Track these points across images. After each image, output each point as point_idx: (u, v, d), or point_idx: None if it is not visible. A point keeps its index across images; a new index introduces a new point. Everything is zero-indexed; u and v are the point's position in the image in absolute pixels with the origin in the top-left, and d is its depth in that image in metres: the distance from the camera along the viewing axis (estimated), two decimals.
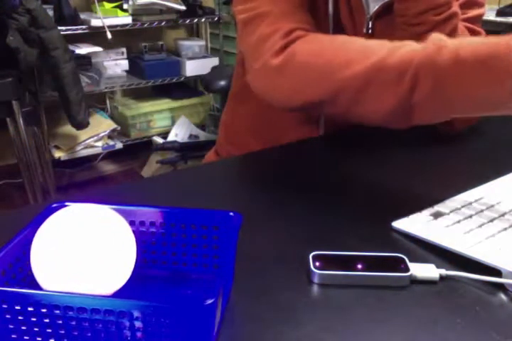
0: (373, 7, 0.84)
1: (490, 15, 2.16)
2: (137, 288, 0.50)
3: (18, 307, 0.39)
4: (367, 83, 0.62)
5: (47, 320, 0.39)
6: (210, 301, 0.37)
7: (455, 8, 0.77)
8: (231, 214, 0.50)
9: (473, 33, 0.85)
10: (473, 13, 0.86)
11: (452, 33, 0.78)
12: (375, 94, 0.62)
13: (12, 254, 0.45)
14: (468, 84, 0.57)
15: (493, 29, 2.12)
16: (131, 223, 0.51)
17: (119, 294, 0.46)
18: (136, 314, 0.38)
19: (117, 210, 0.51)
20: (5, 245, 0.44)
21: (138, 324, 0.39)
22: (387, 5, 0.82)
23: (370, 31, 0.85)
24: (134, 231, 0.51)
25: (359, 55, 0.64)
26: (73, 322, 0.39)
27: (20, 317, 0.40)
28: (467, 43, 0.58)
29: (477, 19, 0.87)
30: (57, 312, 0.39)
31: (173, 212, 0.51)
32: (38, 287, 0.47)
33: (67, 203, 0.51)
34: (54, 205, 0.51)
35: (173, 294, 0.50)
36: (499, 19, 2.21)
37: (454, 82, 0.57)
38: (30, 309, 0.39)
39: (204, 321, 0.39)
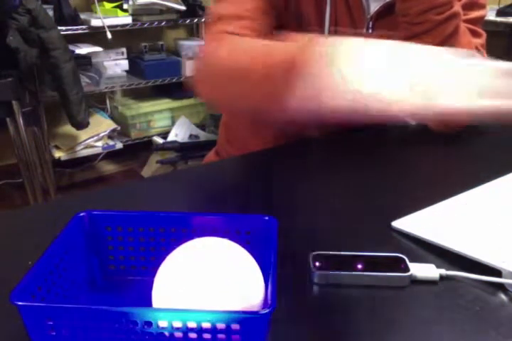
0: (374, 7, 0.84)
1: (490, 15, 2.17)
2: None
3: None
4: (258, 84, 0.63)
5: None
6: (268, 309, 0.37)
7: (457, 7, 0.77)
8: (266, 218, 0.49)
9: (474, 34, 0.85)
10: (474, 14, 0.86)
11: (454, 33, 0.78)
12: (265, 94, 0.63)
13: (46, 268, 0.43)
14: (280, 90, 0.57)
15: (493, 29, 2.12)
16: (162, 230, 0.50)
17: None
18: (205, 324, 0.38)
19: (146, 217, 0.50)
20: (38, 260, 0.42)
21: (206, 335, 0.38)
22: (388, 5, 0.82)
23: (370, 31, 0.85)
24: (165, 239, 0.50)
25: (253, 57, 0.66)
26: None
27: (67, 334, 0.39)
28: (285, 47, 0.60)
29: (478, 20, 0.87)
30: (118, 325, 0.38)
31: (204, 218, 0.50)
32: (77, 301, 0.47)
33: (94, 212, 0.50)
34: (81, 214, 0.49)
35: None
36: (499, 19, 2.21)
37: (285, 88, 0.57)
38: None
39: (262, 329, 0.39)
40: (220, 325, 0.38)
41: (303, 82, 0.54)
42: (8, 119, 1.98)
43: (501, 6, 2.32)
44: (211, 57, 0.71)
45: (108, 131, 2.51)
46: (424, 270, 0.52)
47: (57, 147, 2.44)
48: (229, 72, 0.68)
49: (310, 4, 0.84)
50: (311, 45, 0.55)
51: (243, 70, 0.65)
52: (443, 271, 0.52)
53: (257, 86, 0.63)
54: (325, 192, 0.72)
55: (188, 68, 2.63)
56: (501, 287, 0.51)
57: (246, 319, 0.37)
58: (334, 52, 0.53)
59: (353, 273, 0.52)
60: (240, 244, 0.47)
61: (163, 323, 0.38)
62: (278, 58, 0.59)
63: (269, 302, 0.38)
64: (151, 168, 2.54)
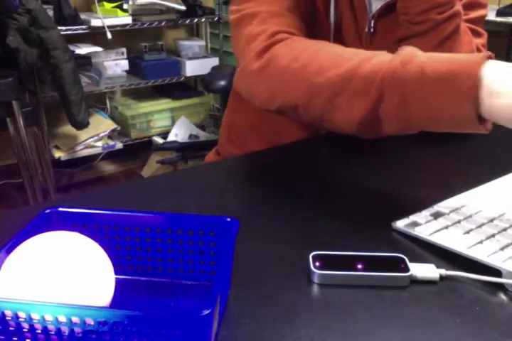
0: (376, 6, 0.84)
1: (490, 15, 2.17)
2: (132, 296, 0.50)
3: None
4: (337, 91, 0.62)
5: (39, 331, 0.39)
6: (206, 312, 0.36)
7: (458, 7, 0.77)
8: (228, 219, 0.49)
9: (475, 33, 0.85)
10: (475, 14, 0.86)
11: (455, 32, 0.78)
12: (344, 102, 0.62)
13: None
14: (429, 101, 0.56)
15: (493, 29, 2.12)
16: (127, 229, 0.50)
17: (111, 302, 0.45)
18: (130, 324, 0.37)
19: (111, 216, 0.50)
20: None
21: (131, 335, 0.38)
22: (389, 4, 0.82)
23: (372, 30, 0.85)
24: (130, 237, 0.50)
25: (332, 62, 0.64)
26: (65, 334, 0.38)
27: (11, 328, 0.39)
28: (436, 59, 0.57)
29: (479, 20, 0.87)
30: (49, 322, 0.38)
31: (169, 218, 0.50)
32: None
33: (60, 209, 0.50)
34: (47, 211, 0.50)
35: (170, 302, 0.49)
36: (499, 19, 2.21)
37: (416, 98, 0.56)
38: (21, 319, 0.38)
39: (200, 331, 0.38)
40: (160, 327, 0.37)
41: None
42: (8, 119, 1.97)
43: (501, 6, 2.32)
44: (272, 56, 0.69)
45: (108, 131, 2.51)
46: (424, 270, 0.52)
47: (57, 147, 2.44)
48: (294, 73, 0.66)
49: (321, 2, 0.84)
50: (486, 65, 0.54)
51: (321, 74, 0.63)
52: (443, 271, 0.52)
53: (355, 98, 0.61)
54: (325, 191, 0.72)
55: (189, 68, 2.63)
56: (501, 287, 0.51)
57: (186, 321, 0.37)
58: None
59: (353, 273, 0.52)
60: (205, 245, 0.49)
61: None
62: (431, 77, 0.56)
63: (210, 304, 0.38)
64: (151, 168, 2.54)
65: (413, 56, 0.58)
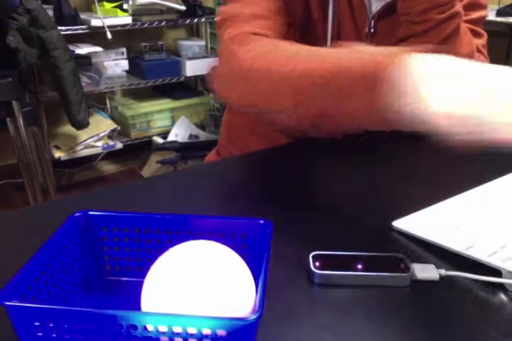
0: (376, 7, 0.84)
1: (490, 15, 2.17)
2: None
3: (51, 325, 0.38)
4: (282, 89, 0.62)
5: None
6: (255, 315, 0.36)
7: (458, 7, 0.78)
8: (261, 222, 0.49)
9: (475, 34, 0.85)
10: (475, 14, 0.86)
11: (455, 32, 0.78)
12: (279, 101, 0.62)
13: (37, 268, 0.43)
14: (343, 99, 0.55)
15: (493, 29, 2.12)
16: (157, 232, 0.50)
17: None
18: (191, 329, 0.37)
19: (141, 218, 0.49)
20: (30, 259, 0.42)
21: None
22: (389, 4, 0.82)
23: (372, 31, 0.85)
24: (161, 241, 0.50)
25: (283, 62, 0.64)
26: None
27: (53, 335, 0.39)
28: (360, 56, 0.56)
29: (480, 21, 0.88)
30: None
31: (199, 220, 0.49)
32: (70, 301, 0.46)
33: (90, 212, 0.50)
34: (77, 214, 0.49)
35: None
36: (499, 19, 2.22)
37: (332, 96, 0.56)
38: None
39: (246, 335, 0.38)
40: (206, 331, 0.37)
41: (384, 99, 0.52)
42: (8, 119, 1.97)
43: (501, 6, 2.32)
44: (234, 58, 0.69)
45: (108, 131, 2.51)
46: (424, 270, 0.52)
47: (57, 147, 2.44)
48: (256, 74, 0.66)
49: (314, 2, 0.84)
50: (403, 62, 0.52)
51: (280, 74, 0.63)
52: (443, 271, 0.52)
53: (311, 94, 0.60)
54: (325, 192, 0.72)
55: (189, 68, 2.63)
56: (501, 287, 0.51)
57: (232, 325, 0.37)
58: (431, 73, 0.51)
59: (353, 273, 0.52)
60: (236, 248, 0.47)
61: (149, 327, 0.38)
62: (354, 70, 0.55)
63: (256, 308, 0.38)
64: (151, 168, 2.54)
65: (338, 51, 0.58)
